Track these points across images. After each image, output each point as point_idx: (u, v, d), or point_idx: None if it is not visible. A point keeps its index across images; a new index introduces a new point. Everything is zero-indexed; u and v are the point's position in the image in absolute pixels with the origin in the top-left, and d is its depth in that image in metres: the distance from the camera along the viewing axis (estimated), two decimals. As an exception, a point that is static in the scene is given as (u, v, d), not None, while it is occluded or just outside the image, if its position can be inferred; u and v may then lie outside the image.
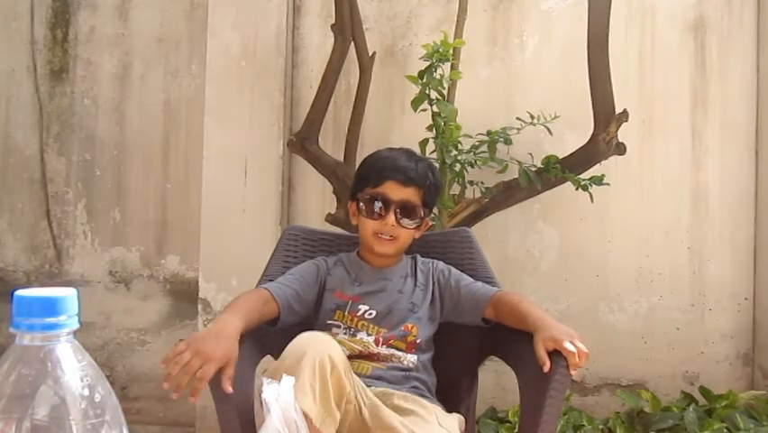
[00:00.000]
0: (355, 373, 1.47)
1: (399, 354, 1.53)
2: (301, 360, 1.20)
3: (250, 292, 1.54)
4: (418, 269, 1.65)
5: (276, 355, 1.63)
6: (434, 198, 1.66)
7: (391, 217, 1.55)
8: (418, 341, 1.56)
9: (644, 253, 2.68)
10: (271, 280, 1.65)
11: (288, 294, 1.53)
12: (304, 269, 1.62)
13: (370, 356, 1.51)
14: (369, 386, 1.44)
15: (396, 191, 1.56)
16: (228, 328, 1.33)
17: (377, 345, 1.52)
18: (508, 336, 1.54)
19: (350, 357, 1.51)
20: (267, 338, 1.53)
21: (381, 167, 1.59)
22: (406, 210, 1.57)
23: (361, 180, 1.62)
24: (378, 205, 1.56)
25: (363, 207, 1.59)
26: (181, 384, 1.21)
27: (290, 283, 1.56)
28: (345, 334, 1.54)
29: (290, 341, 1.55)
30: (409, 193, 1.57)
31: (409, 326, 1.56)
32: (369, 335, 1.54)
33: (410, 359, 1.53)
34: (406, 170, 1.57)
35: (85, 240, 3.00)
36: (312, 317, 1.61)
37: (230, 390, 1.25)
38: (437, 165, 2.26)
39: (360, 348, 1.52)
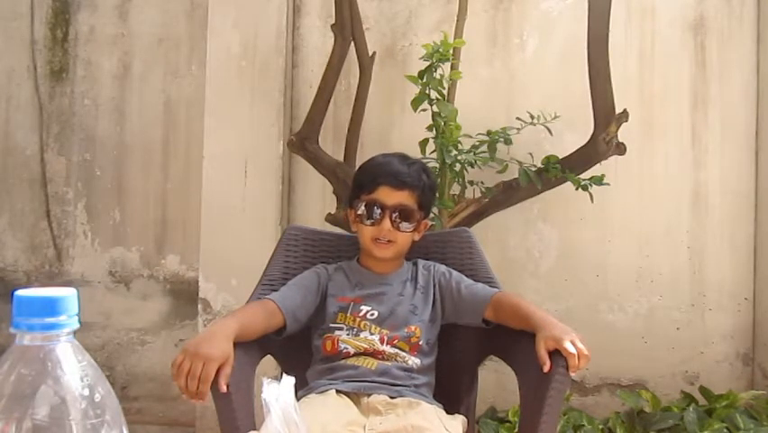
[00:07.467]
0: (360, 368, 1.49)
1: (403, 354, 1.53)
2: None
3: (255, 303, 1.55)
4: (419, 273, 1.66)
5: (276, 356, 1.64)
6: (430, 199, 1.67)
7: (387, 222, 1.57)
8: (421, 343, 1.56)
9: (644, 253, 2.68)
10: (272, 281, 1.65)
11: (293, 305, 1.54)
12: (305, 278, 1.63)
13: (375, 354, 1.52)
14: (371, 392, 1.44)
15: (389, 196, 1.57)
16: (221, 330, 1.35)
17: (381, 344, 1.53)
18: (508, 336, 1.54)
19: (355, 354, 1.52)
20: (267, 339, 1.53)
21: (374, 173, 1.61)
22: (401, 214, 1.58)
23: (356, 188, 1.64)
24: (373, 211, 1.58)
25: (360, 214, 1.60)
26: (193, 391, 1.24)
27: (294, 294, 1.57)
28: (348, 335, 1.55)
29: (289, 342, 1.56)
30: (403, 196, 1.58)
31: (413, 327, 1.56)
32: (372, 334, 1.54)
33: (414, 361, 1.53)
34: (398, 174, 1.58)
35: (85, 240, 3.01)
36: (315, 324, 1.61)
37: (224, 388, 1.26)
38: (437, 165, 2.26)
39: (365, 346, 1.52)
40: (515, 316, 1.51)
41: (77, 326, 0.61)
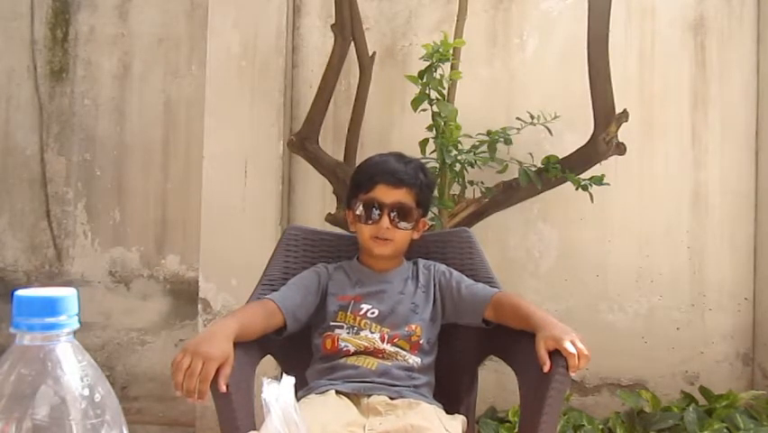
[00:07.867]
0: (360, 368, 1.49)
1: (404, 352, 1.53)
2: None
3: (255, 303, 1.55)
4: (420, 272, 1.66)
5: (276, 356, 1.64)
6: (428, 197, 1.67)
7: (385, 220, 1.57)
8: (422, 342, 1.56)
9: (644, 253, 2.68)
10: (272, 281, 1.66)
11: (293, 305, 1.54)
12: (305, 277, 1.63)
13: (375, 352, 1.52)
14: (371, 393, 1.44)
15: (387, 194, 1.58)
16: (222, 330, 1.35)
17: (382, 342, 1.53)
18: (508, 336, 1.54)
19: (355, 353, 1.52)
20: (267, 339, 1.53)
21: (371, 172, 1.61)
22: (399, 212, 1.58)
23: (354, 188, 1.64)
24: (371, 209, 1.58)
25: (358, 213, 1.60)
26: (191, 389, 1.23)
27: (294, 294, 1.57)
28: (348, 333, 1.55)
29: (289, 342, 1.56)
30: (401, 194, 1.58)
31: (413, 326, 1.56)
32: (372, 333, 1.54)
33: (414, 360, 1.53)
34: (395, 172, 1.59)
35: (85, 240, 3.01)
36: (315, 323, 1.61)
37: (224, 388, 1.26)
38: (437, 165, 2.26)
39: (366, 344, 1.52)
40: (515, 316, 1.51)
41: (77, 326, 0.61)
